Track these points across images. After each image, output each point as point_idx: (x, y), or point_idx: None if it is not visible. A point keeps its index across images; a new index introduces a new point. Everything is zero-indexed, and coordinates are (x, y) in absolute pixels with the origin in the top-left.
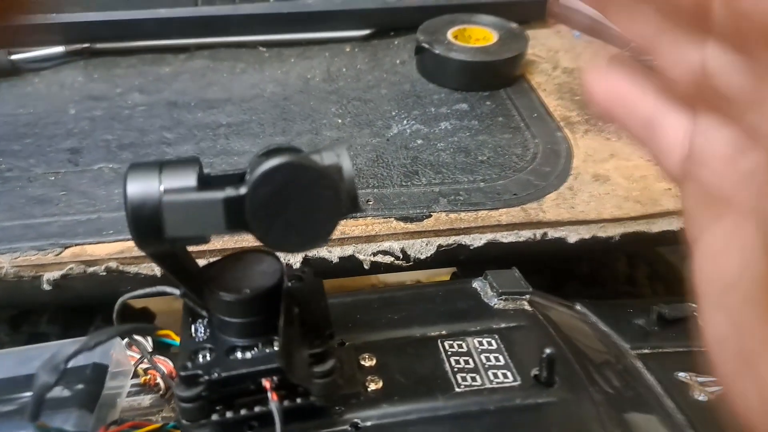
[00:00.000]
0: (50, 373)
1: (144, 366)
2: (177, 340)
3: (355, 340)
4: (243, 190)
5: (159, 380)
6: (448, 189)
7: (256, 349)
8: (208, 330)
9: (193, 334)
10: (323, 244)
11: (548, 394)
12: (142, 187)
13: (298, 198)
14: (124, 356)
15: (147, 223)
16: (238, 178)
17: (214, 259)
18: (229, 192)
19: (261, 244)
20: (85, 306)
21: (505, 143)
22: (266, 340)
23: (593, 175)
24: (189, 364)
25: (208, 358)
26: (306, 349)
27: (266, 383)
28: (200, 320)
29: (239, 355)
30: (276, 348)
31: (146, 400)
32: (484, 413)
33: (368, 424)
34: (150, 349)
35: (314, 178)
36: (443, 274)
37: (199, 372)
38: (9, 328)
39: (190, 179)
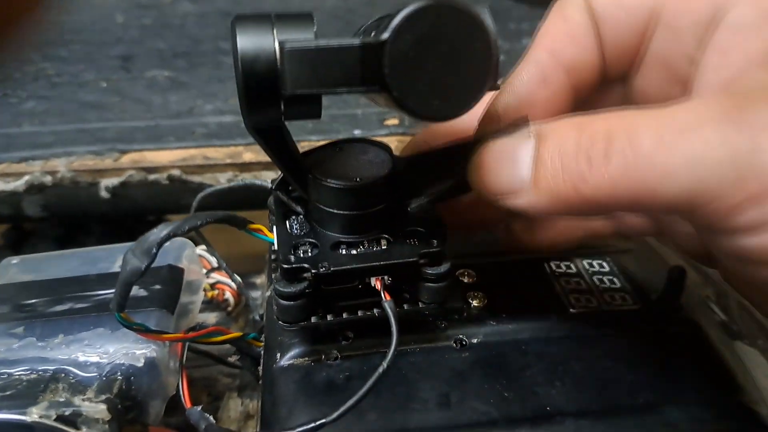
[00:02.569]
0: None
1: (210, 281)
2: (270, 236)
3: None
4: (384, 36)
5: (227, 296)
6: None
7: (362, 246)
8: (305, 226)
9: (289, 231)
10: (464, 111)
11: (674, 320)
12: (255, 38)
13: (446, 50)
14: (196, 265)
15: (262, 80)
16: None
17: None
18: (367, 38)
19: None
20: (138, 223)
21: None
22: (373, 237)
23: None
24: (292, 257)
25: (310, 253)
26: (417, 247)
27: (377, 282)
28: (294, 217)
29: (344, 251)
30: (384, 246)
31: (212, 317)
32: (604, 337)
33: (474, 341)
34: (216, 264)
35: (467, 25)
36: None
37: (305, 266)
38: (58, 247)
39: (308, 32)
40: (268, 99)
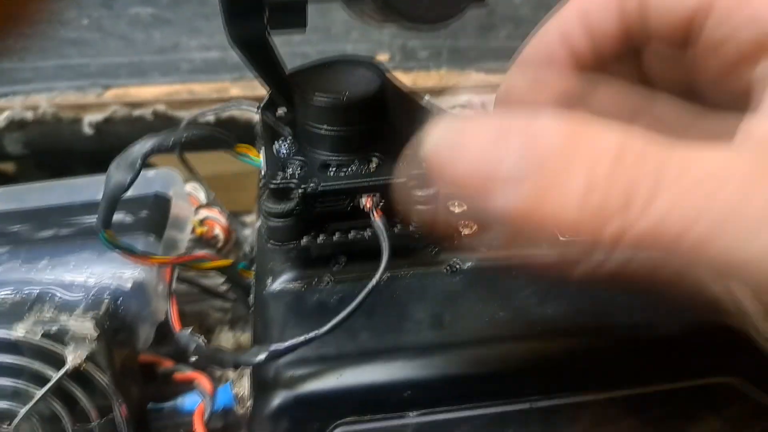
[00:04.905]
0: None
1: (199, 218)
2: (257, 158)
3: None
4: None
5: (217, 231)
6: None
7: (353, 166)
8: (293, 148)
9: (276, 153)
10: (456, 15)
11: None
12: None
13: None
14: (183, 200)
15: None
16: None
17: None
18: None
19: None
20: None
21: None
22: (364, 157)
23: None
24: (279, 175)
25: (299, 173)
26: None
27: (367, 201)
28: (282, 140)
29: (334, 170)
30: (374, 166)
31: (201, 254)
32: None
33: (467, 266)
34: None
35: None
36: None
37: (293, 183)
38: None
39: None
40: (251, 5)
